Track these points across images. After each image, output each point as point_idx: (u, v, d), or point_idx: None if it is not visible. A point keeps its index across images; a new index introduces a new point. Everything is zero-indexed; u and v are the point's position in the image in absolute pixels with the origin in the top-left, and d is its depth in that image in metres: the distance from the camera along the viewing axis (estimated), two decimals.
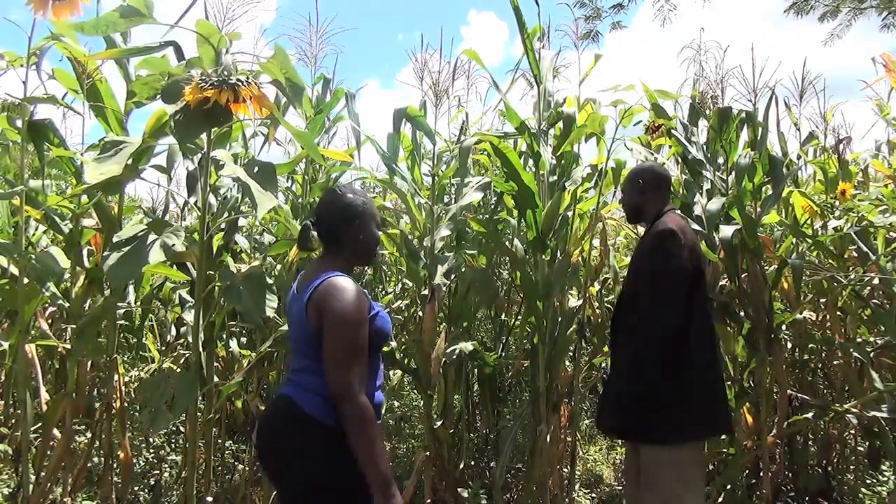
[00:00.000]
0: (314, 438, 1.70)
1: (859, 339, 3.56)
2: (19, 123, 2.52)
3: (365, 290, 1.81)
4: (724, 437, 3.31)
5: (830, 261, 3.61)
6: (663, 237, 2.31)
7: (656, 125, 3.52)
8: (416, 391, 4.59)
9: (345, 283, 1.71)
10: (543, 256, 3.28)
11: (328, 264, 1.81)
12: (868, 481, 3.52)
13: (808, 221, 3.72)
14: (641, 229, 4.62)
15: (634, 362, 2.30)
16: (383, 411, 1.99)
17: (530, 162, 3.39)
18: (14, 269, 2.54)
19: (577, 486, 3.78)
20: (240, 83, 1.97)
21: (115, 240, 2.09)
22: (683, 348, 2.27)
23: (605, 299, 4.31)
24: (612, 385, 2.46)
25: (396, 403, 4.62)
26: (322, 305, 1.69)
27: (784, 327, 3.43)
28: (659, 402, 2.25)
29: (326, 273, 1.75)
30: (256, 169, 2.13)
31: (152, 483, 3.62)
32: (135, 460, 3.58)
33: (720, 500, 3.34)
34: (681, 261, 2.28)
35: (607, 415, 2.40)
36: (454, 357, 3.32)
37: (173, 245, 2.07)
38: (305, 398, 1.74)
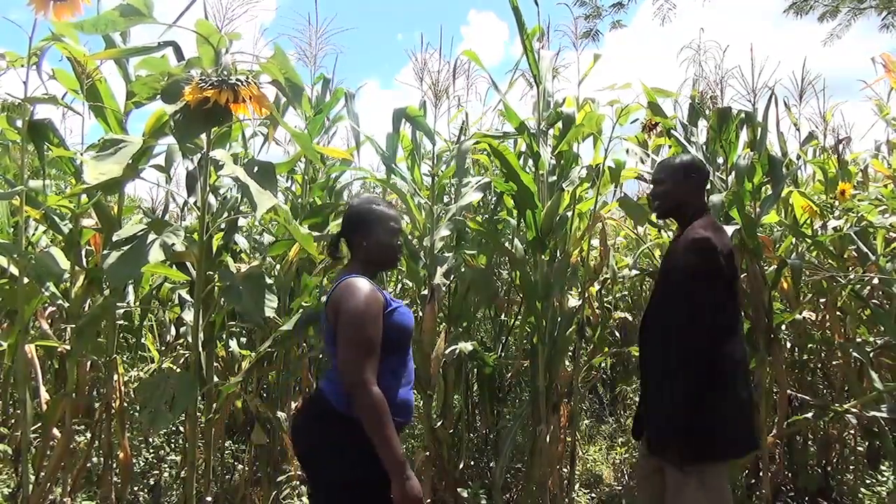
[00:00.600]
0: (342, 433, 1.78)
1: (859, 339, 3.56)
2: (19, 123, 2.52)
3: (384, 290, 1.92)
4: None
5: (830, 261, 3.61)
6: (701, 245, 2.22)
7: (653, 123, 3.52)
8: (416, 391, 4.59)
9: (357, 283, 1.83)
10: (543, 256, 3.28)
11: (348, 269, 1.97)
12: (868, 481, 3.52)
13: (808, 221, 3.72)
14: (641, 230, 4.64)
15: (673, 375, 2.19)
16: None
17: (530, 162, 3.39)
18: (14, 269, 2.55)
19: (577, 486, 3.78)
20: (239, 83, 1.97)
21: (114, 239, 2.09)
22: (719, 359, 2.20)
23: (605, 299, 4.31)
24: (657, 404, 2.28)
25: None
26: (337, 305, 1.82)
27: (784, 327, 3.43)
28: (704, 416, 2.16)
29: (344, 276, 1.90)
30: (256, 168, 2.13)
31: (152, 483, 3.62)
32: (134, 460, 3.58)
33: None
34: (715, 266, 2.22)
35: (660, 439, 2.25)
36: (454, 357, 3.32)
37: (173, 245, 2.07)
38: (333, 392, 1.86)
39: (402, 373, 1.91)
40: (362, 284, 1.83)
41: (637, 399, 2.70)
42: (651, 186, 2.57)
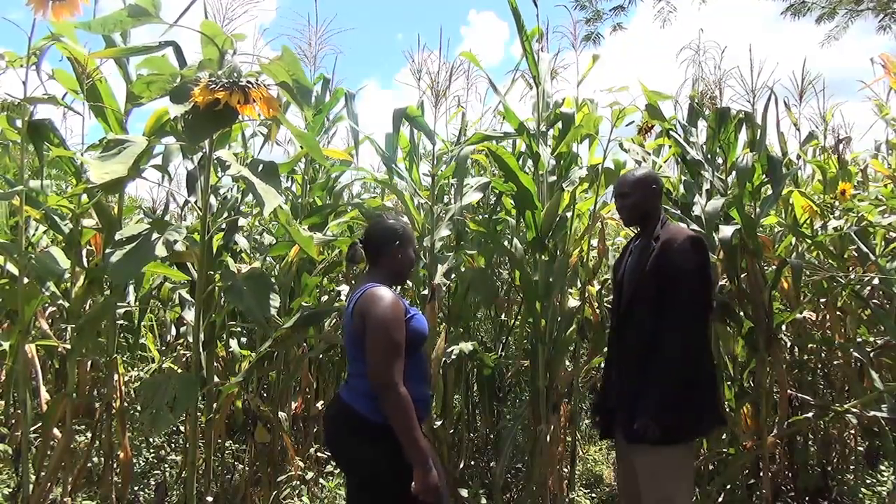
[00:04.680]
0: (370, 437, 1.96)
1: (859, 339, 3.56)
2: (19, 123, 2.52)
3: (402, 297, 2.07)
4: (723, 436, 3.34)
5: (830, 261, 3.61)
6: (699, 244, 2.40)
7: (649, 126, 3.52)
8: None
9: (382, 292, 1.99)
10: (542, 256, 3.28)
11: (370, 278, 2.09)
12: (868, 481, 3.52)
13: (808, 221, 3.73)
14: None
15: (670, 366, 2.31)
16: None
17: (529, 162, 3.39)
18: (14, 269, 2.54)
19: (577, 486, 3.78)
20: (250, 85, 1.98)
21: (117, 238, 2.09)
22: (706, 344, 2.45)
23: (605, 299, 4.31)
24: (647, 392, 2.34)
25: None
26: (363, 311, 1.96)
27: (784, 327, 3.43)
28: (686, 398, 2.33)
29: (367, 285, 2.03)
30: (260, 168, 2.14)
31: (155, 484, 3.61)
32: (135, 460, 3.58)
33: (720, 500, 3.34)
34: (708, 262, 2.44)
35: (647, 423, 2.30)
36: (454, 357, 3.32)
37: (175, 242, 2.08)
38: (357, 401, 2.01)
39: (418, 372, 2.05)
40: (386, 293, 1.99)
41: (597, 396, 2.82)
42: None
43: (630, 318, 2.51)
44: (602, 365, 3.84)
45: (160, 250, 2.01)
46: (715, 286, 2.55)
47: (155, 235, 2.08)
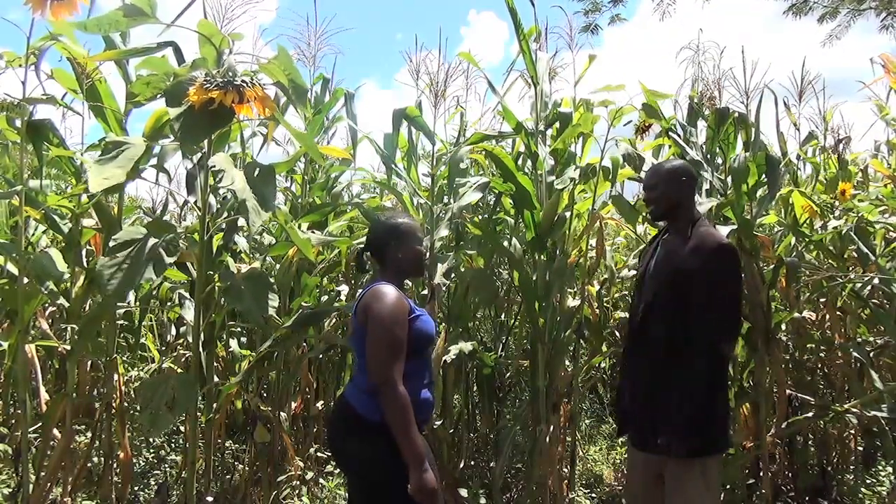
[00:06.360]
0: (367, 437, 1.96)
1: (859, 339, 3.56)
2: (19, 123, 2.52)
3: (408, 297, 2.07)
4: None
5: (830, 261, 3.61)
6: (729, 251, 2.33)
7: (646, 125, 3.52)
8: None
9: (385, 289, 1.99)
10: (542, 256, 3.28)
11: (379, 278, 2.10)
12: (868, 481, 3.52)
13: (808, 221, 3.72)
14: (640, 230, 4.63)
15: (701, 380, 2.26)
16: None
17: (528, 162, 3.39)
18: (14, 269, 2.54)
19: (577, 486, 3.78)
20: (245, 84, 1.97)
21: (111, 244, 2.08)
22: (726, 358, 2.42)
23: (604, 299, 4.32)
24: (676, 405, 2.29)
25: None
26: (366, 307, 1.97)
27: (783, 327, 3.43)
28: (710, 411, 2.30)
29: (373, 283, 2.05)
30: (257, 172, 2.14)
31: (156, 485, 3.61)
32: (135, 460, 3.58)
33: (720, 500, 3.34)
34: (739, 270, 2.39)
35: (675, 439, 2.27)
36: (454, 357, 3.32)
37: (170, 263, 2.08)
38: (356, 398, 2.02)
39: (423, 374, 2.04)
40: (390, 290, 1.98)
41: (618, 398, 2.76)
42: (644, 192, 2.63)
43: (649, 318, 2.45)
44: (599, 364, 3.85)
45: (152, 273, 2.01)
46: (740, 296, 2.43)
47: (152, 241, 2.07)
